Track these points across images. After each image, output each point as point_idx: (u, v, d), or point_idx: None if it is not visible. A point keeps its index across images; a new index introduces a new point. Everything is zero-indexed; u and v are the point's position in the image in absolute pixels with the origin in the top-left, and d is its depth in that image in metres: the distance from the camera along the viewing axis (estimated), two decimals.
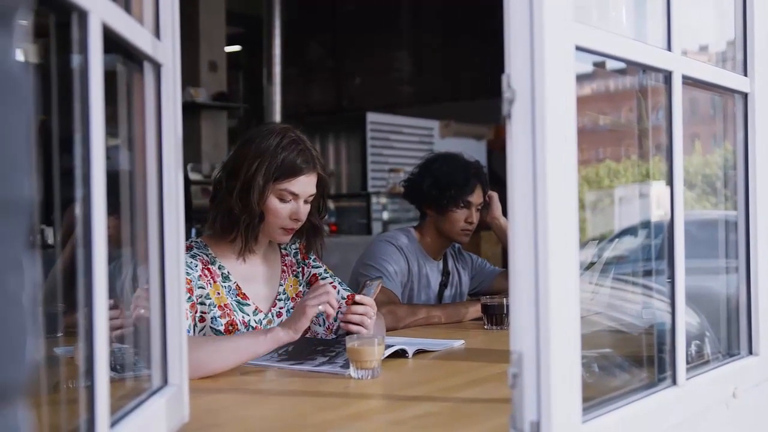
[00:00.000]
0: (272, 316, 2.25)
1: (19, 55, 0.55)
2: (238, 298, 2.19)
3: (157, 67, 1.33)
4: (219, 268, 2.19)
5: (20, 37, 0.55)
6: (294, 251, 2.39)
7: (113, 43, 1.10)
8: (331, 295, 1.97)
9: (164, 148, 1.35)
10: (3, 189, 0.52)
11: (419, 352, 2.14)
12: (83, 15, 0.99)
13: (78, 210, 1.01)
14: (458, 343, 2.31)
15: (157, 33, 1.33)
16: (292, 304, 2.31)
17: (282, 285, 2.31)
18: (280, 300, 2.30)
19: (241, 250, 2.21)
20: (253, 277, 2.25)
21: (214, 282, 2.15)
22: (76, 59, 1.01)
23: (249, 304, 2.20)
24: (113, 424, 1.08)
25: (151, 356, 1.35)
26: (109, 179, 1.04)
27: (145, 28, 1.27)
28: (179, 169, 1.37)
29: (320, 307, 1.95)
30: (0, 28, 0.52)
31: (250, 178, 2.13)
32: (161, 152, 1.35)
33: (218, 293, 2.15)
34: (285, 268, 2.35)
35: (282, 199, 2.17)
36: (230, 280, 2.19)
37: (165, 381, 1.36)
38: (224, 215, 2.17)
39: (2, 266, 0.52)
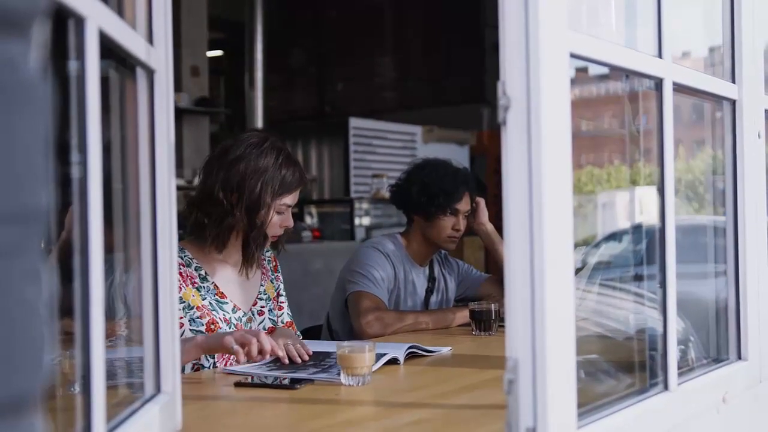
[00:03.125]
0: (253, 314, 2.33)
1: (36, 63, 0.55)
2: (217, 297, 2.24)
3: (150, 73, 1.32)
4: (196, 270, 2.24)
5: (37, 44, 0.55)
6: (268, 259, 2.47)
7: (107, 48, 1.10)
8: (253, 346, 1.93)
9: (157, 154, 1.34)
10: (22, 198, 0.52)
11: (410, 357, 2.14)
12: (80, 21, 0.98)
13: (74, 216, 1.00)
14: (446, 350, 2.31)
15: (150, 39, 1.32)
16: (272, 305, 2.40)
17: (263, 285, 2.39)
18: (261, 299, 2.38)
19: (244, 264, 2.29)
20: (234, 277, 2.32)
21: (187, 285, 2.20)
22: (72, 65, 1.00)
23: (227, 302, 2.26)
24: None
25: (144, 364, 1.34)
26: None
27: (138, 33, 1.27)
28: (172, 176, 1.37)
29: (235, 347, 1.91)
30: (18, 37, 0.52)
31: (257, 198, 2.20)
32: (154, 159, 1.34)
33: (194, 295, 2.20)
34: (264, 270, 2.43)
35: (279, 213, 2.26)
36: (208, 281, 2.24)
37: (158, 389, 1.35)
38: (227, 232, 2.23)
39: (21, 276, 0.52)
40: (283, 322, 2.41)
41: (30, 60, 0.54)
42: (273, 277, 2.45)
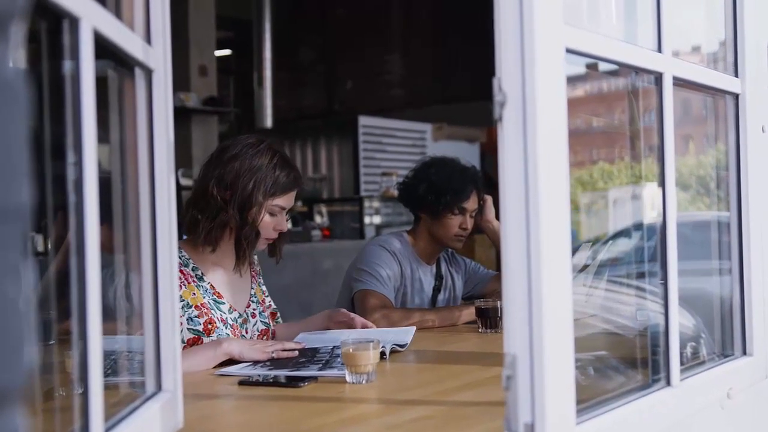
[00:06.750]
0: (247, 316, 2.37)
1: (15, 62, 0.55)
2: (214, 296, 2.28)
3: (148, 72, 1.33)
4: (193, 270, 2.28)
5: (16, 44, 0.55)
6: (256, 261, 2.52)
7: (103, 48, 1.10)
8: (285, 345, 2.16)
9: (156, 154, 1.34)
10: (2, 195, 0.52)
11: (414, 354, 2.15)
12: (74, 21, 0.98)
13: (71, 217, 1.00)
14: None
15: (148, 39, 1.33)
16: (261, 308, 2.44)
17: (253, 288, 2.44)
18: (253, 302, 2.42)
19: (237, 263, 2.32)
20: (228, 280, 2.35)
21: (189, 283, 2.24)
22: (67, 65, 1.01)
23: (224, 303, 2.30)
24: (107, 430, 1.08)
25: (145, 362, 1.34)
26: (100, 186, 1.04)
27: (136, 33, 1.27)
28: (171, 176, 1.37)
29: (274, 354, 2.10)
30: None
31: (248, 195, 2.23)
32: (153, 158, 1.34)
33: (193, 294, 2.24)
34: (254, 274, 2.47)
35: (271, 214, 2.29)
36: (205, 281, 2.28)
37: (159, 387, 1.35)
38: (219, 228, 2.25)
39: (1, 272, 0.52)
40: (258, 330, 2.42)
41: (9, 59, 0.55)
42: (260, 281, 2.50)
